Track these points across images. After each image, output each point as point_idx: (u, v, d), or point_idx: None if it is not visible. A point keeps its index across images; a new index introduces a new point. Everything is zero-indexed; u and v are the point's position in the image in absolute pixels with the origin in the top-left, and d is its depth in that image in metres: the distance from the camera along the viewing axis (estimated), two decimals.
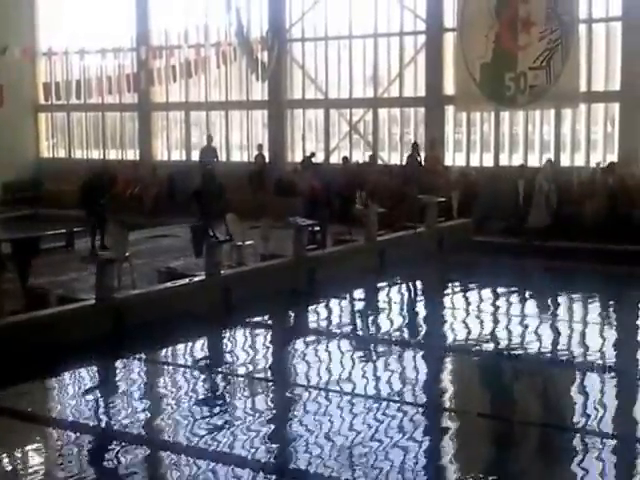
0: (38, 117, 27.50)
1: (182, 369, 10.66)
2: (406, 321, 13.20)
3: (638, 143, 18.93)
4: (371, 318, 13.31)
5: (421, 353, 11.34)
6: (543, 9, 19.22)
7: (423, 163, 20.24)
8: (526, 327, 12.57)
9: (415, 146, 20.47)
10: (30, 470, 7.53)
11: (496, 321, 13.10)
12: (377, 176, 19.63)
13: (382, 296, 14.96)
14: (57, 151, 27.67)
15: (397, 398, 9.25)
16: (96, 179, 15.83)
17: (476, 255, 17.17)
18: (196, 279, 12.82)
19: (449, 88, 20.96)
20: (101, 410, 9.27)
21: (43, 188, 25.45)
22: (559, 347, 11.42)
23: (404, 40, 21.72)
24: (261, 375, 10.42)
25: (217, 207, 13.84)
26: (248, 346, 11.81)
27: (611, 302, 14.21)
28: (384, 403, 9.01)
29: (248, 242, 14.44)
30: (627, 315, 13.48)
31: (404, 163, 20.61)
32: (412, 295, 15.44)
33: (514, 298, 14.52)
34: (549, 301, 14.30)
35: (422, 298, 15.17)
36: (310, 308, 13.67)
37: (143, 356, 11.07)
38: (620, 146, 19.16)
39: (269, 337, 12.49)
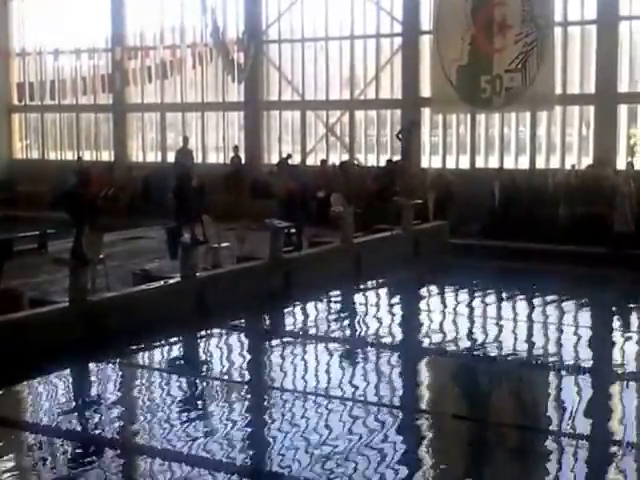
0: (12, 118, 27.21)
1: (157, 372, 10.57)
2: (382, 323, 13.16)
3: (612, 145, 19.07)
4: (347, 320, 13.27)
5: (397, 355, 11.32)
6: (519, 12, 19.29)
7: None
8: (501, 329, 12.61)
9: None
10: (3, 475, 7.41)
11: (472, 323, 13.10)
12: (354, 178, 19.59)
13: (358, 298, 14.93)
14: (31, 152, 27.42)
15: (374, 400, 9.22)
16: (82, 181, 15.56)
17: (452, 257, 17.21)
18: (171, 281, 12.72)
19: (425, 90, 20.99)
20: (75, 414, 9.15)
21: (16, 189, 25.19)
22: (535, 349, 11.45)
23: (380, 42, 21.74)
24: (237, 378, 10.36)
25: (196, 208, 13.72)
26: (224, 349, 11.73)
27: (581, 303, 14.33)
28: (360, 405, 8.98)
29: (224, 244, 14.36)
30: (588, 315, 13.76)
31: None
32: (388, 297, 15.41)
33: (490, 300, 14.55)
34: (526, 303, 14.35)
35: (398, 300, 15.15)
36: (286, 310, 13.62)
37: (117, 359, 10.96)
38: (595, 148, 19.28)
39: (245, 339, 12.43)
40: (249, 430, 8.52)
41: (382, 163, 21.29)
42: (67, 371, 10.49)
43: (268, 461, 7.68)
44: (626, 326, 13.09)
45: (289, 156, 20.90)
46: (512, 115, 20.43)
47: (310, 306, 14.07)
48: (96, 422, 8.78)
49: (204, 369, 10.79)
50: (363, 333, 12.46)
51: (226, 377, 10.30)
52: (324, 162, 21.34)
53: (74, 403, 9.51)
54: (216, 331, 12.37)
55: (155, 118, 25.10)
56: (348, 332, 12.60)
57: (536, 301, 14.46)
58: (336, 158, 21.83)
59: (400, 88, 21.35)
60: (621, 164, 18.90)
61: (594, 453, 7.90)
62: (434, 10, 20.39)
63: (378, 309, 14.25)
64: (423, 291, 15.39)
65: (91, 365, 10.67)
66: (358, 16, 21.78)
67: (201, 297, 12.63)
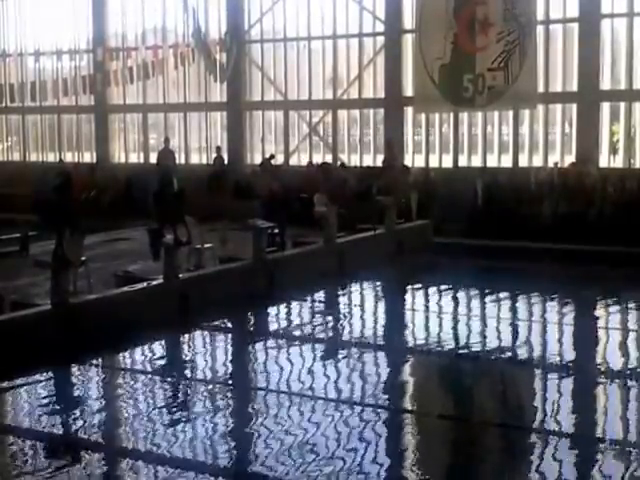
0: None
1: (139, 374, 10.49)
2: (366, 323, 13.15)
3: (595, 143, 19.12)
4: (331, 320, 13.23)
5: (381, 355, 11.30)
6: (501, 10, 19.32)
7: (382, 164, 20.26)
8: (486, 328, 12.60)
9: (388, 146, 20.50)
10: None
11: (456, 322, 13.10)
12: (336, 178, 19.56)
13: (342, 298, 14.90)
14: (12, 154, 27.26)
15: (358, 401, 9.18)
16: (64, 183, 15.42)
17: (436, 256, 17.21)
18: (154, 283, 12.64)
19: (408, 89, 21.00)
20: (57, 417, 9.07)
21: None
22: (518, 347, 11.45)
23: (363, 41, 21.73)
24: (220, 379, 10.30)
25: (178, 209, 13.64)
26: (207, 350, 11.68)
27: (565, 301, 14.31)
28: (345, 406, 8.93)
29: (207, 245, 14.30)
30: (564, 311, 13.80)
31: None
32: (372, 297, 15.38)
33: (474, 299, 14.55)
34: (510, 301, 14.35)
35: (382, 300, 15.12)
36: (269, 311, 13.57)
37: (100, 362, 10.88)
38: (578, 146, 19.33)
39: (228, 341, 12.37)
40: (233, 432, 8.46)
41: (365, 163, 21.30)
42: (49, 374, 10.39)
43: (252, 463, 7.62)
44: (609, 323, 13.09)
45: (272, 156, 20.86)
46: (495, 114, 20.46)
47: (294, 306, 14.02)
48: (78, 424, 8.70)
49: (187, 371, 10.72)
50: (347, 333, 12.41)
51: (210, 378, 10.25)
52: (310, 164, 21.27)
53: (56, 406, 9.42)
54: (199, 332, 12.30)
55: (137, 119, 25.01)
56: (332, 332, 12.55)
57: (520, 299, 14.48)
58: (319, 158, 21.80)
59: (383, 87, 21.36)
60: (604, 162, 19.01)
61: (578, 451, 7.88)
62: (417, 9, 20.41)
63: (362, 308, 14.22)
64: (407, 290, 15.36)
65: (73, 367, 10.57)
66: (341, 15, 21.76)
67: (184, 298, 12.56)
